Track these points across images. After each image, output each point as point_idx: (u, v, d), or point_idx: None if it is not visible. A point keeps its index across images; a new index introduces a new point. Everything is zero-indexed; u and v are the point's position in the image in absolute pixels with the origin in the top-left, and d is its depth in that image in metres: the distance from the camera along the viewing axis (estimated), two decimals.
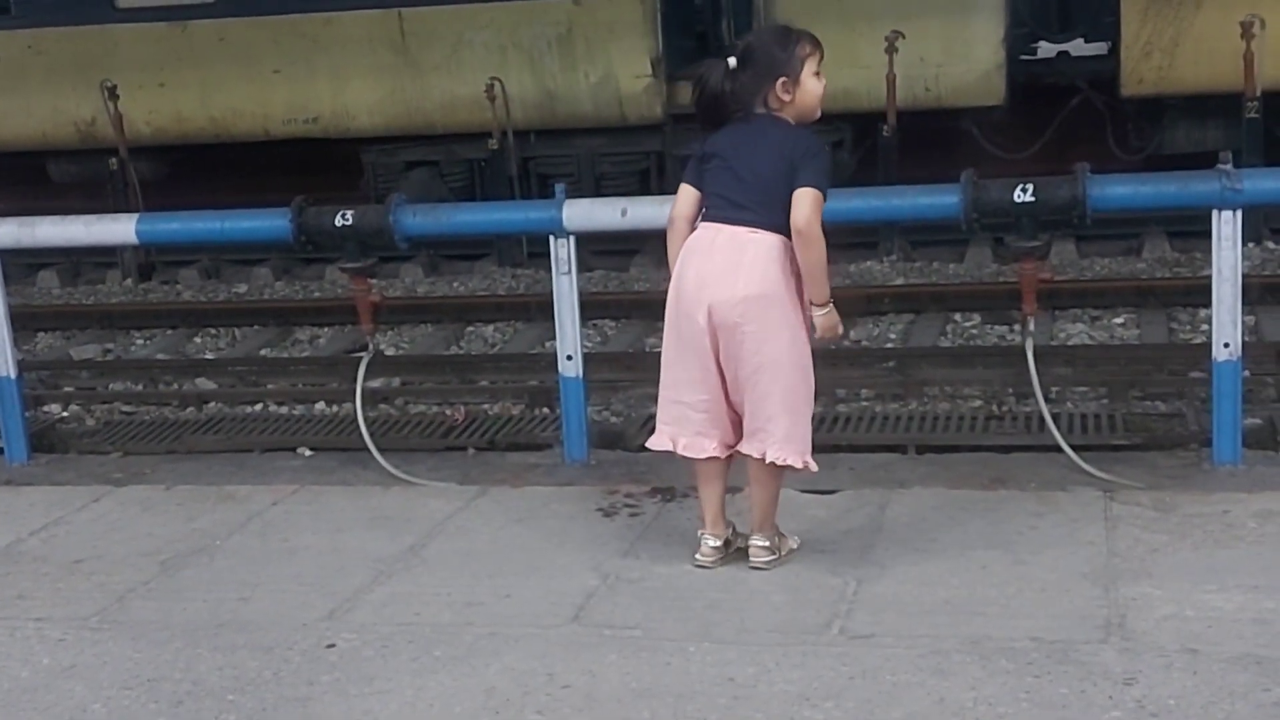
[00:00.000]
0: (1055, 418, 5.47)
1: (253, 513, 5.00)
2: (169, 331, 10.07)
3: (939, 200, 5.43)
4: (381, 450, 5.83)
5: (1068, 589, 3.86)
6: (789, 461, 4.07)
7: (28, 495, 5.47)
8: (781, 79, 4.02)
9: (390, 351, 8.99)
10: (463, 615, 3.98)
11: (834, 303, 4.03)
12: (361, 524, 4.81)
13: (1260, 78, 9.66)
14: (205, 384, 8.58)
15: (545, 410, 7.27)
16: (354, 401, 5.97)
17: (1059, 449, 5.32)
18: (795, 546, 4.27)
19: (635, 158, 11.37)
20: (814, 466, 4.13)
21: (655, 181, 11.27)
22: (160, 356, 9.42)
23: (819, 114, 4.13)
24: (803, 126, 4.09)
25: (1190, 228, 8.98)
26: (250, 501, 5.14)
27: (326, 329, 9.79)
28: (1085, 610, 3.72)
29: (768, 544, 4.17)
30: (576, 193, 6.87)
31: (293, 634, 3.92)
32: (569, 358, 5.66)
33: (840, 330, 4.08)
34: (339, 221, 5.74)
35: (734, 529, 4.26)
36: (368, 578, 4.30)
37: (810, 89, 4.06)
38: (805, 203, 3.92)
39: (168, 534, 4.83)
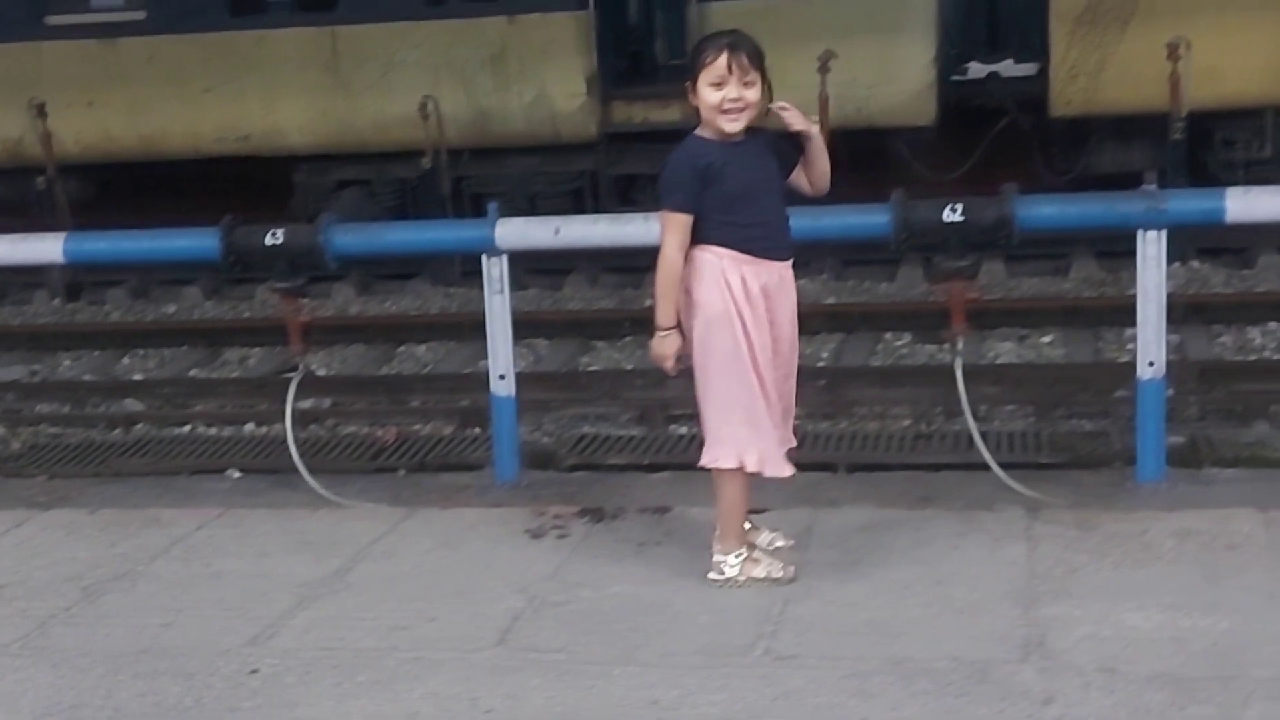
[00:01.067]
0: (983, 436, 5.51)
1: (177, 537, 4.95)
2: (96, 352, 9.94)
3: (869, 220, 5.47)
4: (312, 472, 5.77)
5: (989, 609, 3.89)
6: (714, 464, 4.11)
7: None
8: (687, 82, 4.09)
9: (321, 372, 8.92)
10: (387, 640, 3.95)
11: (675, 330, 4.08)
12: (287, 548, 4.77)
13: (1185, 99, 9.81)
14: (133, 405, 8.48)
15: (477, 430, 7.25)
16: (284, 422, 5.92)
17: (987, 467, 5.36)
18: (773, 547, 4.33)
19: (569, 177, 11.37)
20: (751, 465, 4.13)
21: (590, 201, 11.28)
22: (87, 378, 9.30)
23: (727, 126, 4.06)
24: (689, 139, 4.13)
25: (1117, 247, 9.10)
26: (175, 525, 5.08)
27: (256, 349, 9.70)
28: (1005, 630, 3.75)
29: (718, 560, 4.19)
30: (510, 212, 6.85)
31: (215, 660, 3.89)
32: (501, 377, 5.65)
33: (669, 362, 4.11)
34: (269, 241, 5.70)
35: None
36: (292, 602, 4.26)
37: (703, 98, 4.05)
38: (661, 224, 4.08)
39: (91, 559, 4.77)
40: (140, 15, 11.58)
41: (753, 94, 4.03)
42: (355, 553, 4.67)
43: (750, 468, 4.14)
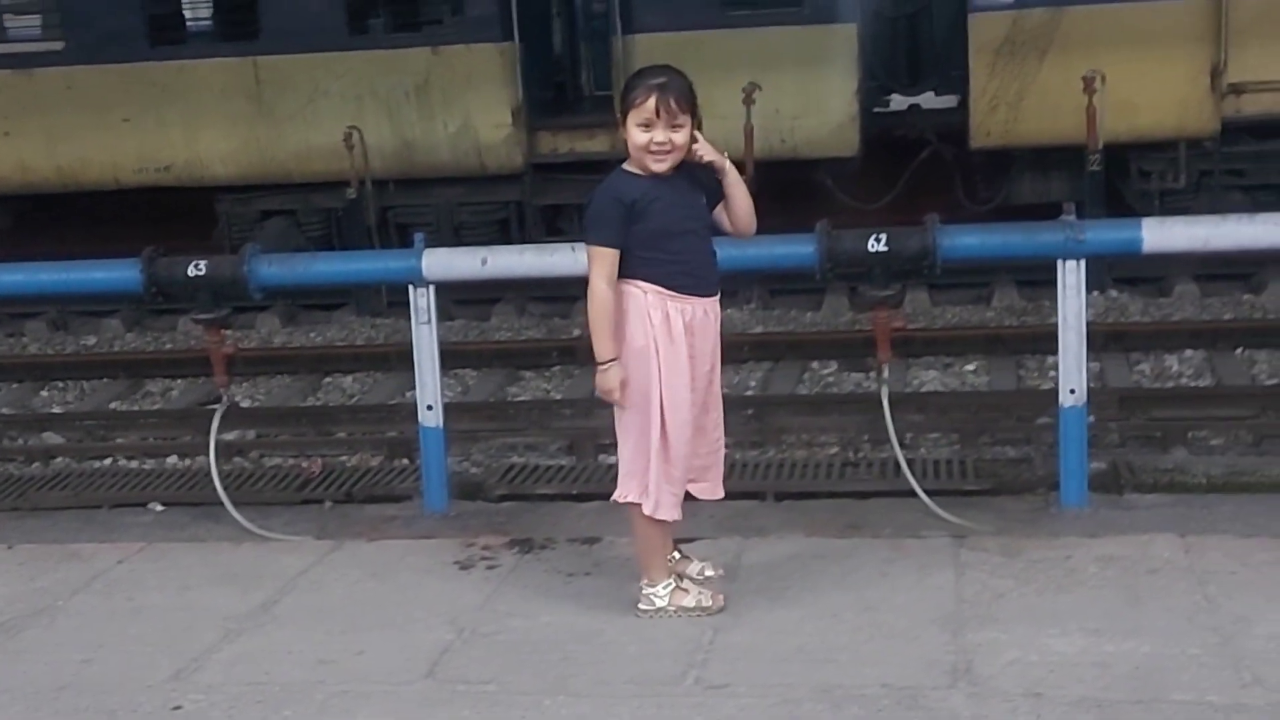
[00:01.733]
0: (910, 463, 5.57)
1: (98, 571, 4.87)
2: (14, 385, 9.77)
3: (795, 250, 5.51)
4: (236, 504, 5.72)
5: (917, 635, 3.92)
6: (624, 498, 4.16)
7: None
8: (618, 115, 4.11)
9: (245, 403, 8.84)
10: (314, 673, 3.91)
11: (616, 362, 4.07)
12: (211, 581, 4.71)
13: (1101, 131, 9.99)
14: (52, 438, 8.34)
15: (404, 461, 7.20)
16: (208, 455, 5.85)
17: (914, 494, 5.41)
18: (703, 576, 4.33)
19: (495, 207, 11.36)
20: (647, 508, 4.13)
21: (515, 231, 11.27)
22: (5, 411, 9.13)
23: (654, 166, 4.07)
24: (615, 173, 4.15)
25: (1037, 276, 9.24)
26: (96, 560, 5.00)
27: (179, 381, 9.59)
28: (934, 656, 3.78)
29: (646, 592, 4.20)
30: (436, 242, 6.85)
31: (137, 696, 3.82)
32: (429, 408, 5.63)
33: (616, 395, 4.10)
34: (192, 272, 5.66)
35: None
36: (216, 636, 4.20)
37: (631, 137, 4.06)
38: (587, 259, 4.10)
39: (9, 594, 4.68)
40: (58, 45, 11.44)
41: (680, 136, 4.03)
42: (281, 585, 4.62)
43: (645, 510, 4.15)
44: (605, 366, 4.08)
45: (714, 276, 4.23)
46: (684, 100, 4.02)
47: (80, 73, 11.33)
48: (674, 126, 4.02)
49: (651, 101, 3.99)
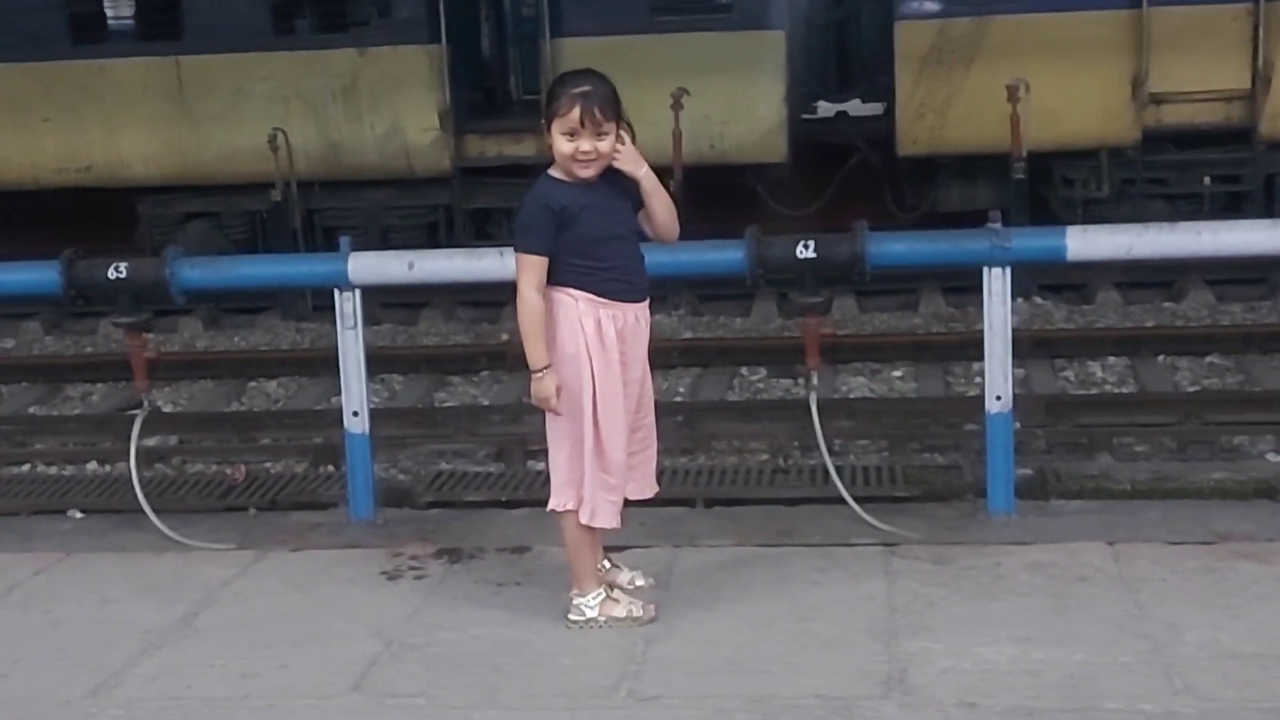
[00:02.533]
0: (839, 470, 5.56)
1: (14, 582, 4.74)
2: None
3: (725, 256, 5.50)
4: (157, 512, 5.60)
5: (850, 644, 3.91)
6: (562, 507, 4.12)
7: None
8: (542, 121, 4.06)
9: (168, 408, 8.68)
10: (237, 688, 3.83)
11: (549, 369, 4.02)
12: (131, 593, 4.60)
13: (1026, 140, 10.09)
14: None
15: (330, 468, 7.11)
16: (128, 461, 5.74)
17: (843, 501, 5.41)
18: (634, 586, 4.29)
19: (423, 211, 11.27)
20: (584, 517, 4.10)
21: (444, 235, 11.19)
22: None
23: (581, 173, 4.02)
24: (543, 180, 4.09)
25: (963, 283, 9.30)
26: (12, 570, 4.87)
27: (99, 385, 9.40)
28: (867, 666, 3.77)
29: (577, 602, 4.16)
30: (363, 246, 6.77)
31: (54, 712, 3.73)
32: (355, 414, 5.54)
33: (552, 402, 4.04)
34: (112, 274, 5.54)
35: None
36: (136, 650, 4.10)
37: (555, 144, 4.02)
38: (516, 266, 4.05)
39: None
40: None
41: (605, 145, 3.99)
42: (203, 597, 4.52)
43: (581, 518, 4.11)
44: (539, 374, 4.04)
45: (644, 281, 4.20)
46: (608, 108, 3.98)
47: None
48: (599, 135, 3.98)
49: (576, 111, 3.95)
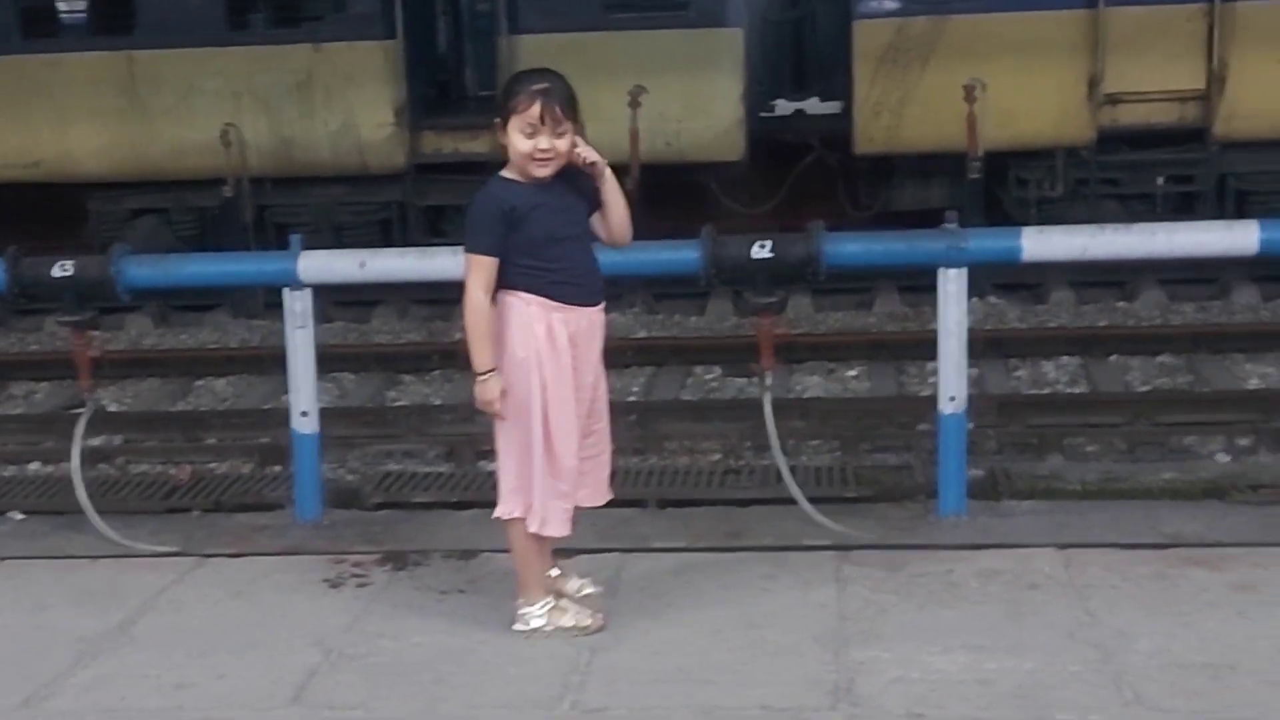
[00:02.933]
0: (791, 471, 5.54)
1: None
2: None
3: (680, 255, 5.47)
4: (100, 513, 5.53)
5: (799, 653, 3.86)
6: (509, 515, 4.05)
7: None
8: (496, 120, 3.98)
9: (113, 407, 8.55)
10: (173, 698, 3.74)
11: (495, 372, 3.95)
12: (66, 600, 4.50)
13: (982, 139, 10.08)
14: None
15: (277, 468, 7.01)
16: (71, 461, 5.63)
17: (795, 502, 5.38)
18: (582, 594, 4.23)
19: (377, 208, 11.15)
20: (533, 525, 4.03)
21: (398, 232, 11.08)
22: None
23: (537, 173, 3.95)
24: (494, 180, 4.02)
25: (919, 282, 9.28)
26: None
27: (43, 384, 9.24)
28: (815, 675, 3.72)
29: (523, 611, 4.08)
30: (316, 243, 6.69)
31: None
32: (304, 414, 5.48)
33: (496, 406, 3.97)
34: (57, 272, 5.49)
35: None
36: (70, 659, 4.01)
37: (513, 142, 3.94)
38: (464, 267, 3.97)
39: None
40: None
41: (564, 144, 3.93)
42: (140, 604, 4.42)
43: (531, 527, 4.04)
44: (484, 377, 3.96)
45: (598, 284, 4.13)
46: (567, 106, 3.92)
47: None
48: (558, 133, 3.91)
49: (536, 108, 3.88)
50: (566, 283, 4.00)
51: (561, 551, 4.41)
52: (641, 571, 4.56)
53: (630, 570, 4.57)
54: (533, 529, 4.02)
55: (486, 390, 3.96)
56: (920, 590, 4.29)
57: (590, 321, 4.08)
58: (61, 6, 11.62)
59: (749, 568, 4.54)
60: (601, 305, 4.14)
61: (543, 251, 3.97)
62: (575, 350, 4.01)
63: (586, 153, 3.98)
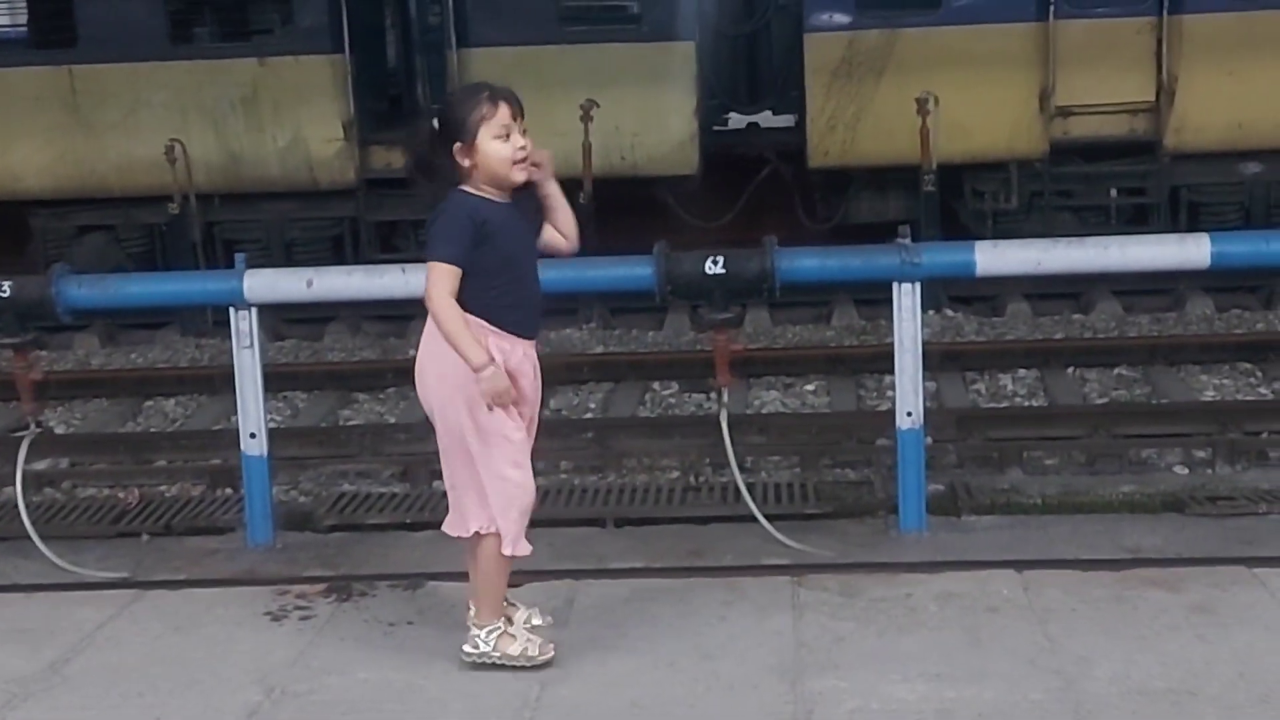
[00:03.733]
0: (750, 488, 5.49)
1: None
2: None
3: (633, 272, 5.43)
4: (46, 539, 5.40)
5: (756, 684, 3.77)
6: (466, 532, 3.95)
7: None
8: (456, 144, 3.83)
9: (60, 429, 8.39)
10: None
11: (492, 362, 3.79)
12: None
13: (935, 152, 10.06)
14: None
15: (228, 491, 6.87)
16: (14, 485, 5.50)
17: (755, 519, 5.32)
18: (529, 625, 4.07)
19: (327, 224, 11.02)
20: (508, 549, 3.92)
21: (350, 249, 10.95)
22: None
23: (518, 177, 3.84)
24: (454, 193, 3.87)
25: (876, 295, 9.24)
26: None
27: None
28: (773, 707, 3.64)
29: (474, 633, 3.95)
30: (265, 260, 6.58)
31: None
32: (252, 435, 5.38)
33: (510, 393, 3.83)
34: None
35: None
36: None
37: (490, 151, 3.80)
38: (427, 276, 3.82)
39: None
40: None
41: (530, 143, 3.86)
42: (76, 641, 4.28)
43: (505, 549, 3.93)
44: (485, 372, 3.77)
45: (539, 319, 4.01)
46: (520, 104, 3.87)
47: None
48: (524, 131, 3.84)
49: (504, 109, 3.80)
50: (513, 308, 3.89)
51: (520, 571, 4.31)
52: (594, 600, 4.47)
53: (583, 598, 4.48)
54: (506, 552, 3.90)
55: (493, 382, 3.77)
56: (879, 615, 4.21)
57: (525, 355, 3.95)
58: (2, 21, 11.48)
59: (705, 594, 4.45)
60: (534, 341, 4.00)
61: (501, 272, 3.85)
62: (516, 382, 3.90)
63: (536, 153, 3.89)
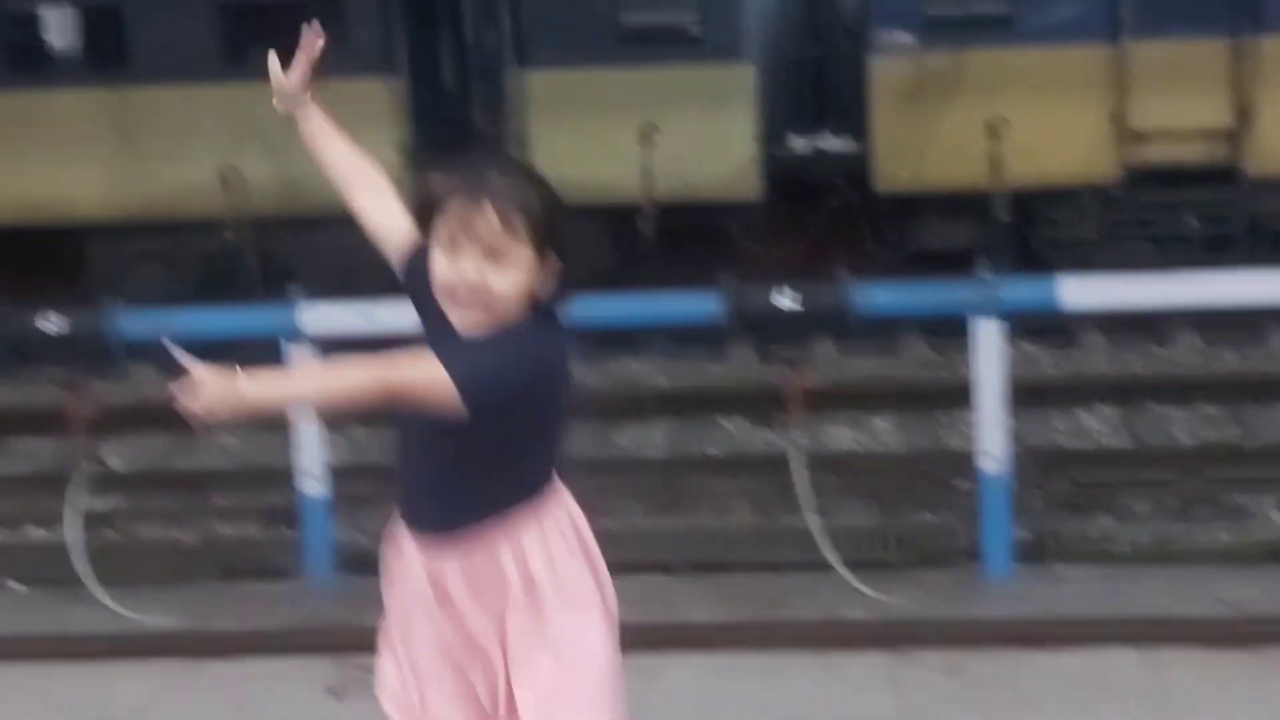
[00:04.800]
0: (827, 532, 5.27)
1: None
2: None
3: (699, 307, 5.26)
4: (103, 582, 5.24)
5: None
6: None
7: None
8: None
9: (116, 463, 8.22)
10: None
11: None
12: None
13: (1006, 177, 9.81)
14: None
15: (290, 531, 6.69)
16: (67, 526, 5.47)
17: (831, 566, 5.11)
18: None
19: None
20: None
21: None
22: None
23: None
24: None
25: (946, 324, 8.97)
26: None
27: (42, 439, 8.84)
28: None
29: None
30: (327, 289, 6.40)
31: None
32: (312, 475, 5.24)
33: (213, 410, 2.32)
34: (44, 327, 5.35)
35: None
36: None
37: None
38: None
39: None
40: None
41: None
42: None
43: None
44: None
45: (432, 514, 2.60)
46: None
47: None
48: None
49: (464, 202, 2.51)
50: (400, 481, 2.68)
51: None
52: (679, 682, 4.13)
53: (666, 678, 4.11)
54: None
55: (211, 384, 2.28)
56: (985, 697, 3.95)
57: (421, 564, 2.62)
58: (52, 42, 11.36)
59: (799, 672, 4.18)
60: (441, 551, 2.60)
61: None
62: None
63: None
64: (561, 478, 2.64)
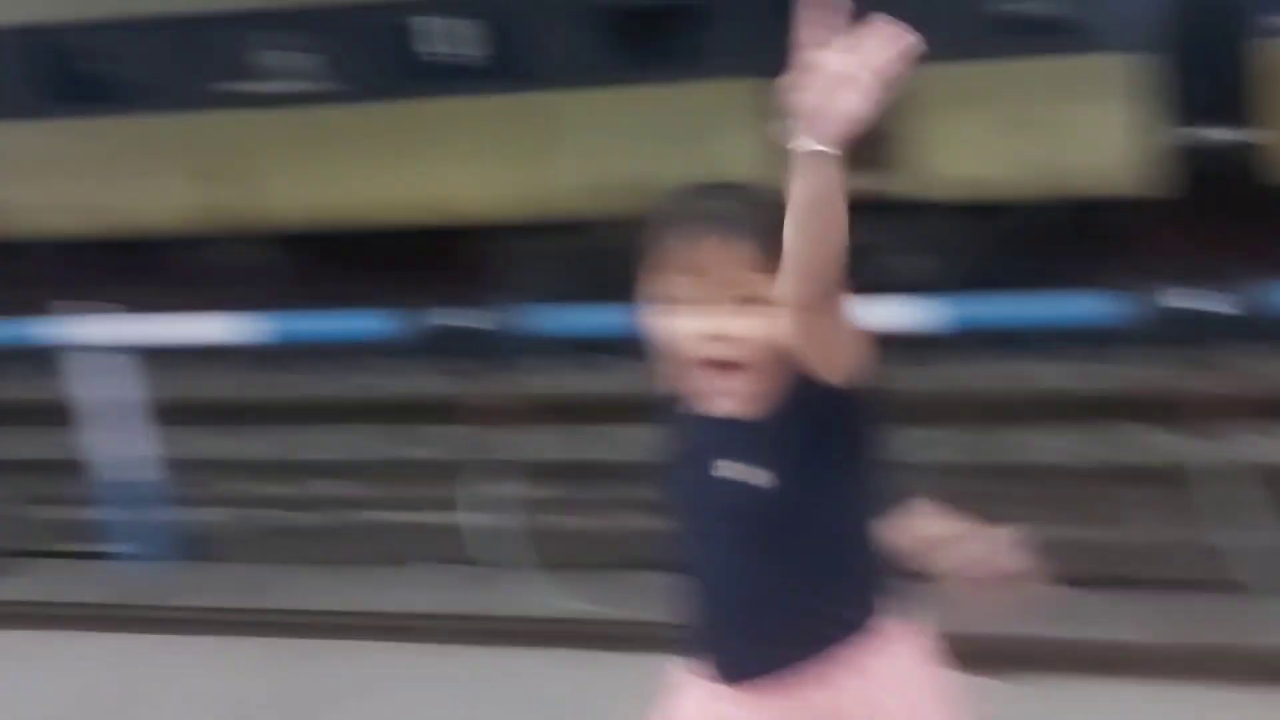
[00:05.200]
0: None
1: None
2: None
3: (1107, 308, 5.17)
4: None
5: None
6: None
7: None
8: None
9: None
10: None
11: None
12: None
13: None
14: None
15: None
16: (493, 511, 5.76)
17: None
18: None
19: None
20: None
21: None
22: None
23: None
24: None
25: None
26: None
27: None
28: None
29: None
30: None
31: None
32: None
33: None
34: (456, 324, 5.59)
35: None
36: None
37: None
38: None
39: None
40: None
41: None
42: None
43: None
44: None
45: (751, 659, 2.16)
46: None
47: None
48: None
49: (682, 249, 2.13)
50: (695, 614, 2.30)
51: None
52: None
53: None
54: None
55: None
56: None
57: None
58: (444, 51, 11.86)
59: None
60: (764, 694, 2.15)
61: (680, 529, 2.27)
62: None
63: None
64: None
